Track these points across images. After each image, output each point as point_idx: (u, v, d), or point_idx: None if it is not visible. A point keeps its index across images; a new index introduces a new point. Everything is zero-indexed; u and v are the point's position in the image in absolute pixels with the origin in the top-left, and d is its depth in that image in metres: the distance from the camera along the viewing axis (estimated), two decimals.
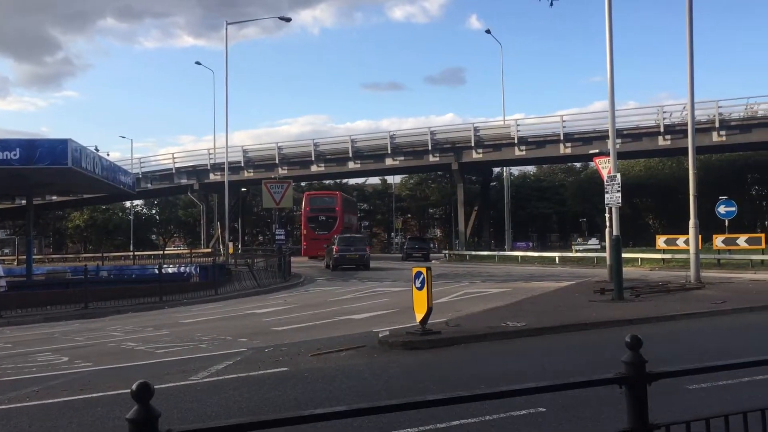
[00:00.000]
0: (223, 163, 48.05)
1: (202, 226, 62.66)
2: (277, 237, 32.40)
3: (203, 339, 12.87)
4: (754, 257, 29.88)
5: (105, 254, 56.13)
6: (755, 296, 16.55)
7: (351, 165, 51.76)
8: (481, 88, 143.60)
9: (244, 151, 55.21)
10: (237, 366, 9.66)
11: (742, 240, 31.75)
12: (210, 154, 57.14)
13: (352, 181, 76.26)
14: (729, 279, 22.67)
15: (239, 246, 55.04)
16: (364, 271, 34.85)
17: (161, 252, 61.50)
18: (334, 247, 36.71)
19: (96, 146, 36.48)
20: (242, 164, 54.28)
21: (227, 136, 51.24)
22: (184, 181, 58.35)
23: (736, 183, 53.08)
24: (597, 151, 29.41)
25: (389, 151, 49.63)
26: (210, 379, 8.84)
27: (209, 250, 52.65)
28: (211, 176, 56.44)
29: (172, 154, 59.68)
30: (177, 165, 58.27)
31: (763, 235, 34.27)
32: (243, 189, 60.58)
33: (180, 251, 62.59)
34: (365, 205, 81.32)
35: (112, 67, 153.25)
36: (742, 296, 16.56)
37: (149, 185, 59.06)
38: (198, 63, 58.91)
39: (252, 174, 54.55)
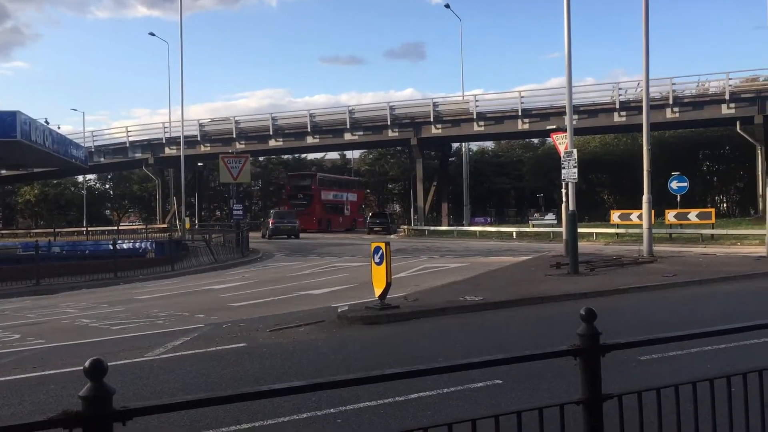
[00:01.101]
0: (179, 137, 47.24)
1: (157, 201, 61.67)
2: (234, 212, 32.09)
3: (160, 315, 12.73)
4: (704, 232, 30.69)
5: (57, 230, 54.91)
6: (704, 269, 17.02)
7: (310, 140, 51.39)
8: (442, 63, 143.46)
9: (201, 125, 54.33)
10: (194, 342, 9.59)
11: (693, 215, 32.58)
12: (165, 127, 56.09)
13: (311, 156, 75.77)
14: (680, 253, 23.26)
15: (196, 221, 54.32)
16: (323, 247, 34.88)
17: (116, 227, 60.37)
18: (270, 220, 45.08)
19: (46, 119, 35.37)
20: (198, 138, 53.44)
21: (183, 110, 50.59)
22: (138, 156, 57.21)
23: (688, 159, 54.23)
24: (554, 126, 29.78)
25: (348, 126, 49.41)
26: (167, 355, 8.75)
27: (165, 225, 51.91)
28: (167, 150, 55.46)
29: (126, 127, 58.46)
30: (131, 139, 57.05)
31: (713, 210, 35.27)
32: (200, 164, 59.69)
33: (135, 227, 61.55)
34: None
35: (63, 38, 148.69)
36: (692, 269, 17.01)
37: (102, 159, 57.76)
38: (152, 34, 57.44)
39: (209, 148, 53.75)
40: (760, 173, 39.29)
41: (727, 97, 39.43)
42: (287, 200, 54.44)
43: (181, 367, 7.95)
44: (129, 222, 78.74)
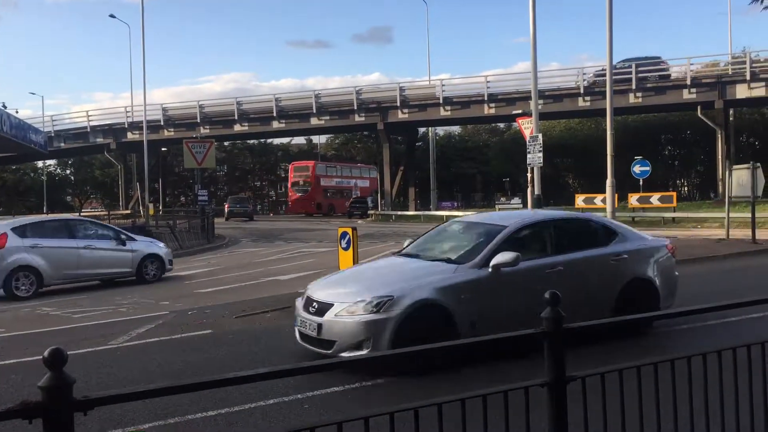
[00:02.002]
0: (142, 122, 46.44)
1: (120, 187, 60.70)
2: (199, 198, 31.67)
3: (123, 303, 12.57)
4: (666, 215, 31.26)
5: (16, 216, 53.66)
6: None
7: (275, 124, 50.96)
8: (409, 47, 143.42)
9: (164, 110, 53.46)
10: (159, 329, 9.49)
11: (655, 198, 33.14)
12: (127, 112, 55.08)
13: (277, 141, 75.27)
14: None
15: (160, 207, 53.68)
16: (291, 232, 34.74)
17: (77, 214, 59.32)
18: (226, 204, 52.14)
19: (3, 103, 34.51)
20: (162, 123, 52.61)
21: (145, 94, 49.65)
22: (100, 140, 56.13)
23: (650, 143, 55.03)
24: (520, 111, 29.94)
25: (314, 111, 49.09)
26: (131, 343, 8.65)
27: (128, 211, 51.13)
28: (129, 135, 54.53)
29: (87, 111, 57.18)
30: (92, 123, 55.90)
31: (674, 194, 35.93)
32: (163, 149, 58.85)
33: (97, 213, 60.52)
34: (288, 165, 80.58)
35: (21, 20, 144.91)
36: None
37: (62, 144, 56.55)
38: (112, 16, 56.20)
39: (172, 133, 52.98)
40: (720, 157, 40.07)
41: (688, 82, 40.05)
42: (291, 186, 58.48)
43: (145, 355, 7.87)
44: (91, 208, 77.41)
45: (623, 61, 41.22)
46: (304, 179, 57.32)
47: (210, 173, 70.15)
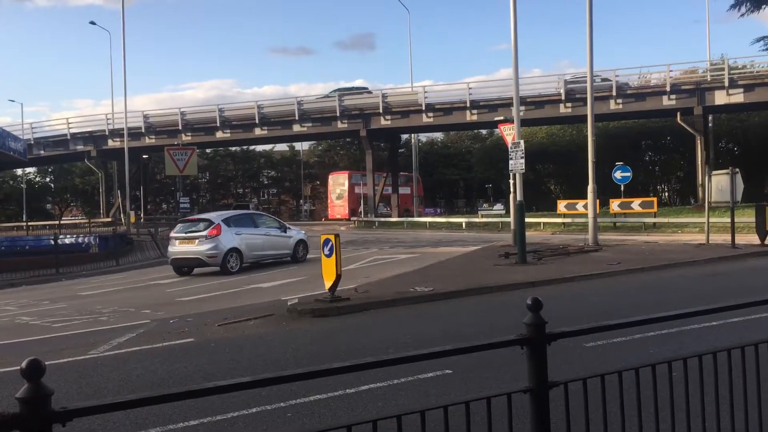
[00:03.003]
0: (123, 129, 46.11)
1: (101, 195, 60.14)
2: (181, 205, 31.55)
3: (104, 311, 12.45)
4: (646, 220, 31.49)
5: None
6: (647, 257, 17.47)
7: (258, 131, 50.81)
8: (391, 54, 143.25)
9: (145, 117, 53.11)
10: (140, 338, 9.40)
11: (636, 204, 33.40)
12: (108, 119, 54.62)
13: (260, 148, 74.96)
14: (624, 241, 23.84)
15: (141, 215, 53.22)
16: None
17: (57, 222, 58.64)
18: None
19: None
20: (143, 130, 52.25)
21: (126, 101, 49.24)
22: (80, 148, 55.61)
23: (631, 149, 55.44)
24: (502, 118, 30.10)
25: (297, 118, 49.00)
26: (111, 352, 8.56)
27: (109, 219, 50.65)
28: (110, 142, 54.09)
29: (67, 119, 56.65)
30: (72, 130, 55.38)
31: (655, 199, 36.21)
32: (144, 156, 58.39)
33: (78, 221, 59.87)
34: (272, 172, 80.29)
35: (1, 26, 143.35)
36: (635, 257, 17.44)
37: (42, 152, 55.92)
38: (92, 23, 55.63)
39: (154, 140, 52.64)
40: (699, 163, 40.47)
41: (668, 88, 40.46)
42: (330, 194, 61.72)
43: (126, 365, 7.79)
44: (72, 216, 76.60)
45: (335, 90, 43.36)
46: (339, 188, 60.65)
47: (192, 180, 69.75)
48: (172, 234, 19.81)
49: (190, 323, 10.46)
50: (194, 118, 52.16)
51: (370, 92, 53.10)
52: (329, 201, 63.49)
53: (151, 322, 10.80)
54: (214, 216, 20.37)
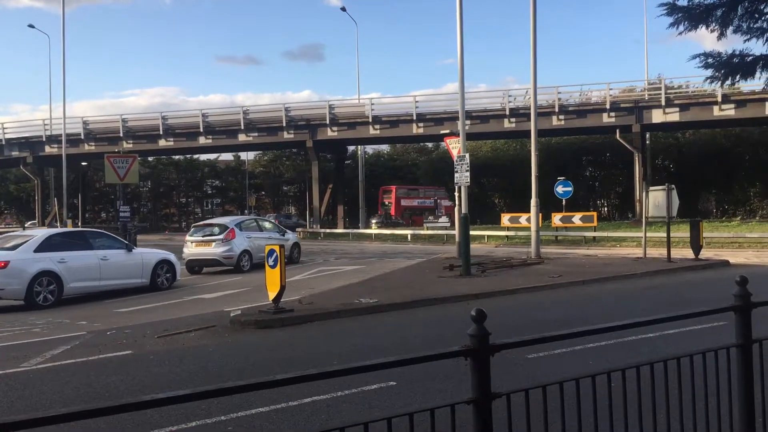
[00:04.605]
0: (61, 135, 44.87)
1: (37, 203, 58.26)
2: (121, 214, 30.67)
3: (37, 323, 12.02)
4: (587, 234, 32.21)
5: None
6: (587, 270, 17.86)
7: (202, 140, 50.10)
8: (340, 65, 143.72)
9: (85, 123, 51.76)
10: (75, 350, 9.10)
11: (577, 218, 34.13)
12: (46, 124, 53.08)
13: (204, 157, 73.92)
14: (565, 254, 24.31)
15: (79, 224, 51.74)
16: None
17: None
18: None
19: None
20: (82, 137, 50.92)
21: (65, 107, 48.17)
22: (15, 154, 53.83)
23: (572, 165, 56.63)
24: (448, 131, 30.42)
25: (242, 127, 48.54)
26: (45, 365, 8.26)
27: (45, 228, 49.12)
28: (47, 149, 52.53)
29: (2, 123, 54.70)
30: (8, 136, 53.61)
31: (595, 214, 37.07)
32: (84, 163, 56.89)
33: (11, 229, 57.88)
34: (217, 182, 79.24)
35: None
36: (576, 270, 17.81)
37: None
38: (31, 26, 54.20)
39: (93, 147, 51.32)
40: (637, 179, 41.65)
41: (607, 106, 41.63)
42: (380, 204, 63.11)
43: (60, 378, 7.52)
44: (5, 224, 73.95)
45: None
46: (387, 200, 62.86)
47: (133, 189, 68.25)
48: (188, 237, 22.00)
49: (128, 335, 10.18)
50: (136, 126, 51.13)
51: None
52: (378, 211, 63.92)
53: (87, 334, 10.47)
54: (228, 221, 22.67)
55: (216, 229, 21.62)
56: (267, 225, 24.17)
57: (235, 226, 21.45)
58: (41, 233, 16.20)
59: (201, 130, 49.11)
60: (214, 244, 21.05)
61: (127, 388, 6.93)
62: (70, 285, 14.99)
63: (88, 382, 7.26)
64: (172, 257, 17.62)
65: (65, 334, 10.58)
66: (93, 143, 51.53)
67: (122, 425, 5.38)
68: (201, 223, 24.91)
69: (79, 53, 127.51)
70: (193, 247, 21.39)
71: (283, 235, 23.58)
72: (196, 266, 21.47)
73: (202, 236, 21.53)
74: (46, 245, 14.98)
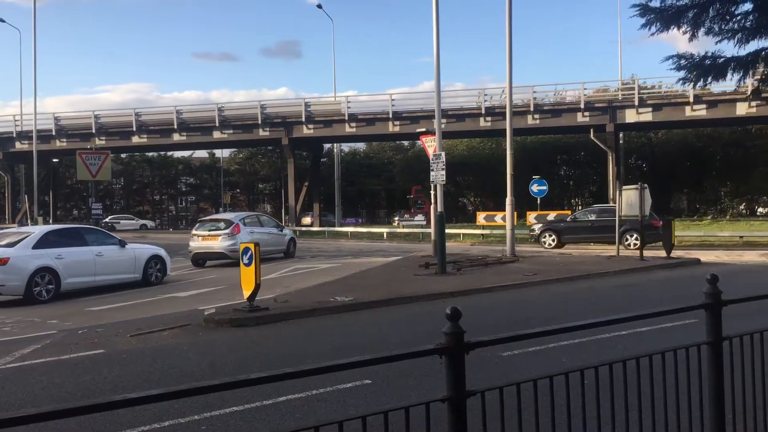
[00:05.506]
0: (32, 131, 44.18)
1: (7, 200, 57.38)
2: (93, 211, 30.31)
3: (6, 321, 11.83)
4: None
5: None
6: (561, 268, 18.00)
7: (176, 137, 49.64)
8: (317, 63, 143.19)
9: (56, 119, 51.03)
10: (46, 350, 8.97)
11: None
12: (16, 120, 52.26)
13: (178, 154, 73.30)
14: (540, 253, 24.49)
15: (50, 221, 51.01)
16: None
17: None
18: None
19: None
20: (54, 133, 50.19)
21: (35, 102, 47.38)
22: None
23: (547, 164, 57.18)
24: (424, 129, 30.42)
25: (217, 124, 48.17)
26: (15, 364, 8.13)
27: (15, 225, 48.35)
28: (18, 145, 51.72)
29: None
30: None
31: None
32: (55, 159, 56.14)
33: None
34: (191, 180, 78.62)
35: None
36: (550, 268, 17.94)
37: None
38: (1, 20, 53.25)
39: (65, 144, 50.63)
40: (610, 178, 42.11)
41: (582, 106, 42.02)
42: (411, 204, 61.84)
43: (30, 377, 7.41)
44: None
45: None
46: (421, 199, 62.22)
47: (105, 186, 67.46)
48: (194, 231, 23.04)
49: (101, 334, 10.05)
50: (109, 122, 50.52)
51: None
52: (410, 209, 64.27)
53: (59, 333, 10.32)
54: (233, 216, 23.72)
55: (222, 224, 22.57)
56: (266, 221, 25.36)
57: (239, 221, 22.53)
58: (39, 230, 16.29)
59: (175, 126, 48.66)
60: (220, 238, 21.90)
61: (99, 388, 6.84)
62: (66, 281, 15.16)
63: (59, 382, 7.15)
64: (162, 252, 18.05)
65: (36, 332, 10.42)
66: (65, 139, 50.83)
67: (93, 425, 5.31)
68: (207, 218, 27.01)
69: (50, 48, 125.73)
70: (200, 240, 22.36)
71: (281, 230, 25.02)
72: (200, 259, 22.44)
73: (209, 230, 22.45)
74: (44, 242, 15.15)
